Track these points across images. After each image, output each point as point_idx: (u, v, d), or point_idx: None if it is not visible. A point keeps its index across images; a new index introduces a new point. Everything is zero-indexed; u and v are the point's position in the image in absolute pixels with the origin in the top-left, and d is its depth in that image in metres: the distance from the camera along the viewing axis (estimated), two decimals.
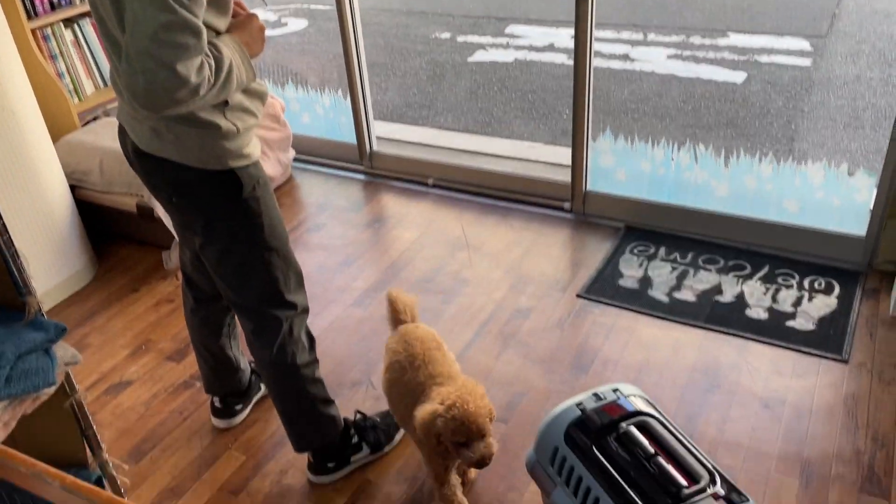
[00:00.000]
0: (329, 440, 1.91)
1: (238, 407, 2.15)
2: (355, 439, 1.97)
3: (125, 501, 0.98)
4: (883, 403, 2.08)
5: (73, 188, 2.93)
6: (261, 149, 3.20)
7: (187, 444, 2.11)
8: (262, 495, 1.94)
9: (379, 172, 3.52)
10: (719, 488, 1.50)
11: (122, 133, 1.63)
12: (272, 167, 3.31)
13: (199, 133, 1.50)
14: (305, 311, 1.82)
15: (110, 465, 1.67)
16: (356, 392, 2.26)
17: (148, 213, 2.84)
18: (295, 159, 3.63)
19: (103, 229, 3.12)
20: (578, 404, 1.73)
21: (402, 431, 2.07)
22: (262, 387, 2.23)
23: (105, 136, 2.99)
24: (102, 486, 1.64)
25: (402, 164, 3.47)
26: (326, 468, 1.95)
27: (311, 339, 1.86)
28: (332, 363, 2.37)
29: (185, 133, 1.50)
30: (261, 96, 1.60)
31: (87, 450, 1.65)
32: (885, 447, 1.94)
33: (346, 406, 2.20)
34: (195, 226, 1.65)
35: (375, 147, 3.52)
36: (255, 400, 2.22)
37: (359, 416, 2.05)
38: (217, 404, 2.14)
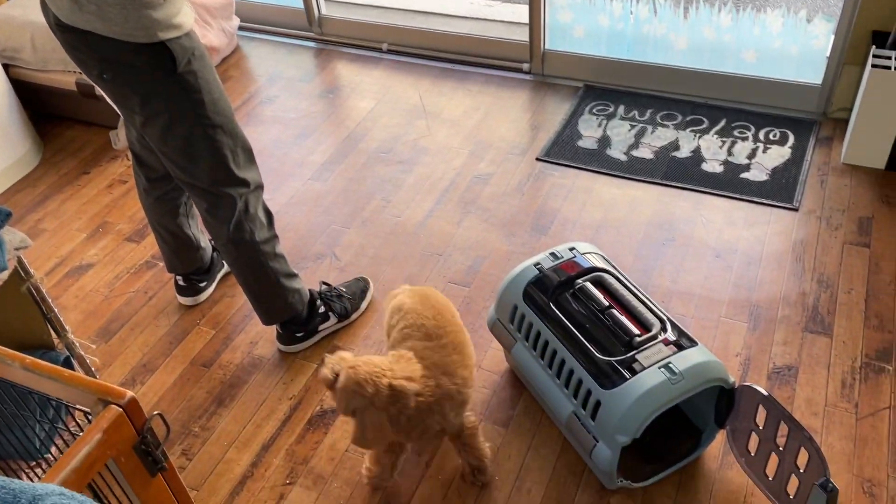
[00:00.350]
0: (295, 312, 1.95)
1: (202, 284, 2.17)
2: (322, 309, 2.01)
3: (85, 377, 1.00)
4: (829, 248, 2.16)
5: (5, 67, 2.77)
6: (199, 17, 3.05)
7: (155, 322, 2.14)
8: (234, 366, 2.00)
9: (330, 39, 3.38)
10: (669, 334, 1.57)
11: (44, 4, 1.52)
12: (216, 37, 3.16)
13: (119, 2, 1.40)
14: (259, 187, 1.79)
15: (77, 345, 1.70)
16: (320, 265, 2.27)
17: (89, 92, 2.72)
18: (240, 27, 3.46)
19: (44, 111, 2.99)
20: (536, 264, 1.77)
21: (368, 299, 2.11)
22: (225, 263, 2.23)
23: (34, 8, 2.80)
24: (72, 367, 1.66)
25: (353, 28, 3.32)
26: (295, 338, 2.00)
27: (269, 215, 1.84)
28: (294, 237, 2.37)
29: (105, 2, 1.40)
30: None
31: (52, 332, 1.66)
32: (829, 289, 2.04)
33: (312, 278, 2.22)
34: (131, 104, 1.59)
35: (324, 11, 3.36)
36: (219, 277, 2.23)
37: (324, 286, 2.08)
38: (181, 282, 2.15)
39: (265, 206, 1.83)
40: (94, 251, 2.40)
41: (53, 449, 1.42)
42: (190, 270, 2.12)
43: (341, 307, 2.05)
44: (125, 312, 2.18)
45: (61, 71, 2.76)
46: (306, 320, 1.99)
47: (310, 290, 2.00)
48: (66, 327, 1.66)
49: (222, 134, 1.65)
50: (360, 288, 2.11)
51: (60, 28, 1.49)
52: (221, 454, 1.79)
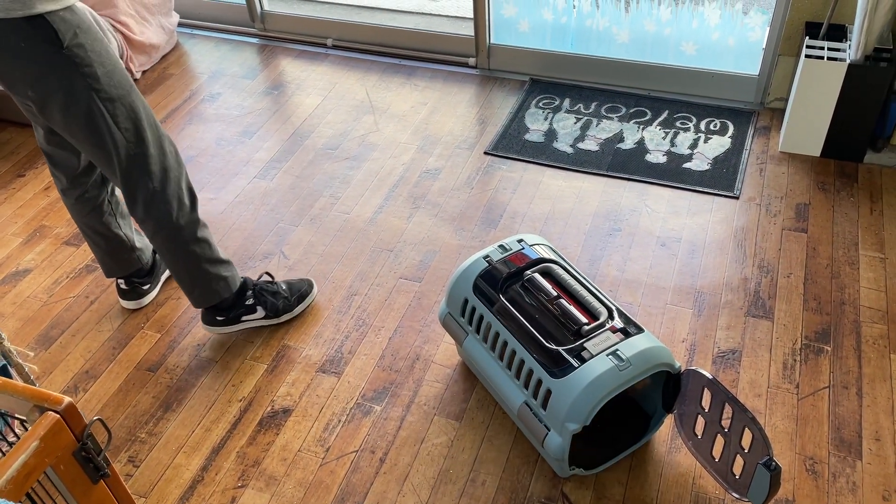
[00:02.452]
0: (220, 299, 1.91)
1: (145, 287, 2.11)
2: (250, 301, 1.97)
3: (19, 384, 0.96)
4: (769, 234, 2.22)
5: None
6: (137, 13, 2.98)
7: (97, 328, 2.08)
8: (181, 370, 1.96)
9: (273, 35, 3.33)
10: (617, 322, 1.60)
11: None
12: (155, 34, 3.08)
13: None
14: (178, 166, 1.74)
15: (14, 353, 1.63)
16: (268, 263, 2.24)
17: None
18: (180, 24, 3.39)
19: None
20: (485, 257, 1.77)
21: (307, 302, 2.07)
22: None
23: None
24: (9, 376, 1.61)
25: (297, 24, 3.28)
26: (215, 321, 1.97)
27: (193, 198, 1.79)
28: (241, 236, 2.33)
29: None
30: None
31: None
32: (769, 273, 2.10)
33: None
34: (22, 88, 1.53)
35: (267, 7, 3.31)
36: (163, 279, 2.18)
37: (265, 277, 2.05)
38: (123, 286, 2.09)
39: (189, 188, 1.78)
40: (31, 256, 2.32)
41: None
42: (128, 273, 2.06)
43: (272, 304, 2.00)
44: (66, 318, 2.11)
45: None
46: (229, 307, 1.95)
47: (245, 279, 1.97)
48: (2, 334, 1.60)
49: (122, 107, 1.60)
50: (300, 289, 2.06)
51: None
52: (170, 459, 1.76)
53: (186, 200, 1.77)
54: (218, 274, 1.88)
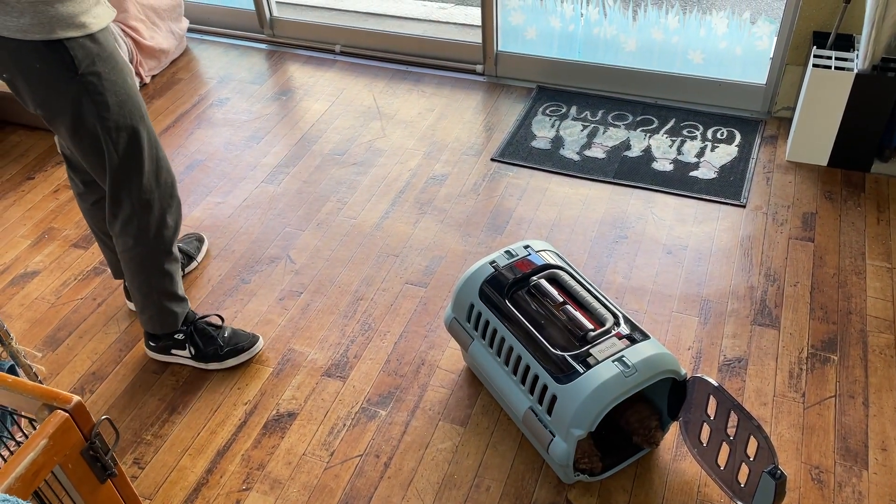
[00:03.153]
0: (163, 332, 1.92)
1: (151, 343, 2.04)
2: (181, 337, 1.93)
3: (29, 383, 0.97)
4: (776, 243, 2.22)
5: None
6: (147, 18, 3.00)
7: (104, 330, 2.09)
8: (187, 372, 1.96)
9: (282, 41, 3.35)
10: (623, 329, 1.60)
11: None
12: (164, 38, 3.10)
13: None
14: (168, 199, 1.75)
15: (22, 354, 1.65)
16: (275, 268, 2.25)
17: None
18: (189, 29, 3.41)
19: None
20: (492, 262, 1.78)
21: (241, 359, 1.96)
22: None
23: None
24: (16, 376, 1.61)
25: (306, 30, 3.30)
26: (149, 344, 1.97)
27: (174, 231, 1.79)
28: (248, 240, 2.34)
29: None
30: None
31: None
32: (776, 282, 2.09)
33: (267, 282, 2.20)
34: (33, 104, 1.55)
35: (276, 13, 3.33)
36: None
37: (213, 319, 1.99)
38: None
39: (175, 222, 1.79)
40: (39, 258, 2.33)
41: None
42: None
43: (200, 349, 1.93)
44: (73, 320, 2.12)
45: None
46: (162, 337, 1.94)
47: (188, 314, 1.94)
48: (11, 335, 1.61)
49: (125, 136, 1.61)
50: (238, 343, 1.96)
51: None
52: (175, 462, 1.76)
53: (166, 233, 1.78)
54: (170, 309, 1.88)
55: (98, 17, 1.49)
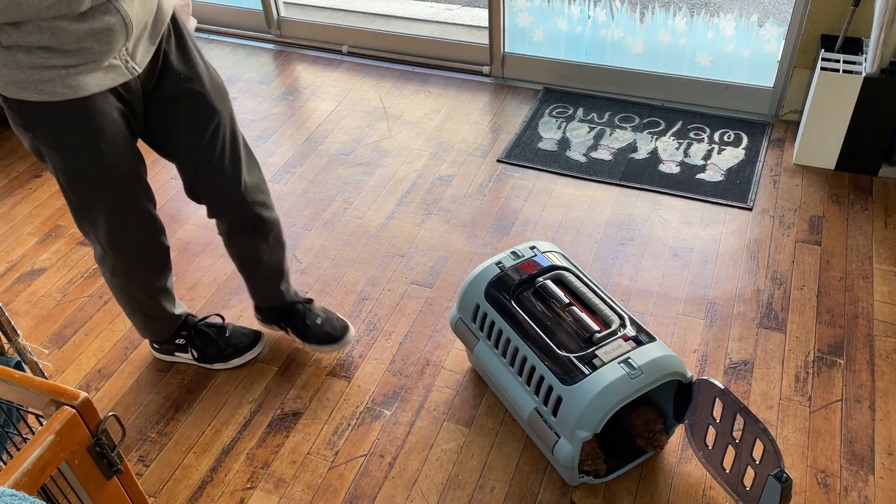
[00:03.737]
0: (155, 339, 1.94)
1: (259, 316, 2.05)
2: (181, 341, 1.94)
3: (36, 378, 0.97)
4: (782, 246, 2.21)
5: None
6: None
7: (110, 327, 2.09)
8: (192, 371, 1.96)
9: (289, 41, 3.35)
10: (629, 331, 1.59)
11: None
12: None
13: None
14: (138, 267, 1.72)
15: (29, 350, 1.65)
16: None
17: None
18: (197, 29, 3.42)
19: None
20: (498, 263, 1.78)
21: (245, 358, 1.96)
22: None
23: None
24: (23, 372, 1.62)
25: (313, 30, 3.31)
26: (152, 346, 1.98)
27: (144, 289, 1.78)
28: None
29: None
30: (99, 34, 1.31)
31: (3, 337, 1.62)
32: (782, 285, 2.09)
33: None
34: None
35: (283, 13, 3.34)
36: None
37: (214, 320, 1.98)
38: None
39: (147, 285, 1.76)
40: (46, 255, 2.34)
41: (5, 455, 1.38)
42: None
43: (202, 350, 1.93)
44: (79, 317, 2.13)
45: None
46: (164, 341, 1.94)
47: (187, 318, 1.93)
48: (18, 332, 1.61)
49: (81, 208, 1.55)
50: (240, 344, 1.96)
51: None
52: (180, 460, 1.76)
53: (141, 288, 1.75)
54: (155, 324, 1.86)
55: (71, 87, 1.35)
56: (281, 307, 1.96)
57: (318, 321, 1.95)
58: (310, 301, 1.99)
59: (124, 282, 1.75)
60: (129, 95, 1.47)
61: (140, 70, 1.45)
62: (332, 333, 1.94)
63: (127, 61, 1.40)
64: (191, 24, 3.27)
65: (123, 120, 1.48)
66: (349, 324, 1.98)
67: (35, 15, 1.20)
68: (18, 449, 1.27)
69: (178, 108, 1.56)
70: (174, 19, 1.53)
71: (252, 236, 1.80)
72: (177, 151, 1.63)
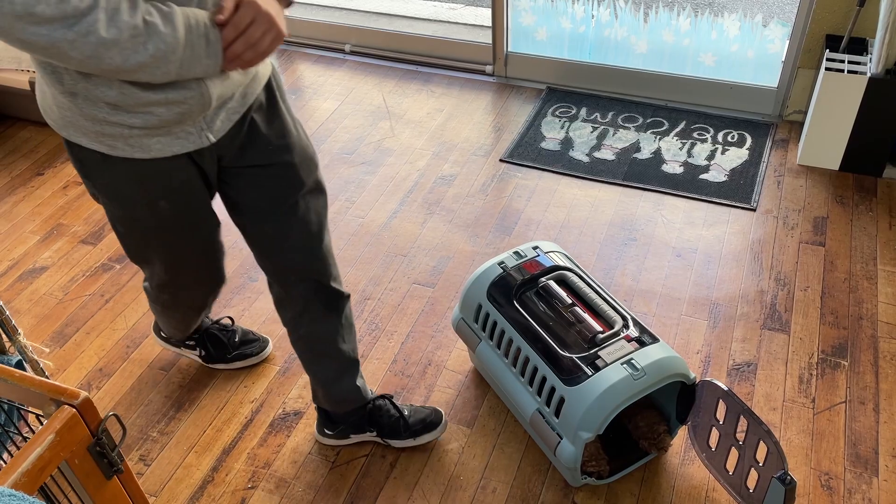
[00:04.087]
0: (170, 336, 1.91)
1: (328, 431, 1.80)
2: (191, 342, 1.92)
3: (36, 378, 0.96)
4: (786, 247, 2.20)
5: None
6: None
7: (112, 326, 2.09)
8: (194, 370, 1.96)
9: (292, 40, 3.35)
10: (632, 331, 1.58)
11: None
12: None
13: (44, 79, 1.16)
14: (175, 311, 1.72)
15: (30, 349, 1.64)
16: None
17: None
18: None
19: None
20: (500, 263, 1.77)
21: (250, 361, 1.94)
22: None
23: None
24: (24, 371, 1.61)
25: (316, 29, 3.30)
26: (158, 333, 1.96)
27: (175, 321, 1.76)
28: None
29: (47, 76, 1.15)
30: (171, 104, 1.15)
31: (4, 336, 1.61)
32: (786, 286, 2.08)
33: None
34: None
35: (286, 11, 3.32)
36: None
37: (224, 321, 1.97)
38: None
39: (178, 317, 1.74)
40: (48, 254, 2.34)
41: (5, 455, 1.38)
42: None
43: (209, 350, 1.91)
44: (80, 316, 2.12)
45: (13, 70, 2.69)
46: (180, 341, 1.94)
47: (203, 322, 1.91)
48: (19, 330, 1.61)
49: (135, 249, 1.47)
50: (248, 349, 1.94)
51: None
52: (181, 459, 1.76)
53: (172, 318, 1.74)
54: (173, 327, 1.83)
55: (130, 142, 1.20)
56: (362, 407, 1.71)
57: (406, 412, 1.73)
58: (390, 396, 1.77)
59: (168, 306, 1.70)
60: (202, 160, 1.30)
61: (216, 139, 1.26)
62: (429, 418, 1.73)
63: (202, 129, 1.23)
64: None
65: (192, 180, 1.31)
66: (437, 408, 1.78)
67: (114, 75, 1.06)
68: (19, 448, 1.26)
69: (259, 179, 1.36)
70: (269, 85, 1.33)
71: (328, 316, 1.56)
72: (251, 222, 1.43)
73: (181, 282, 1.57)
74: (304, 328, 1.57)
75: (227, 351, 1.92)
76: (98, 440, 0.97)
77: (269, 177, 1.36)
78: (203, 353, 1.93)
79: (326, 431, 1.75)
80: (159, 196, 1.30)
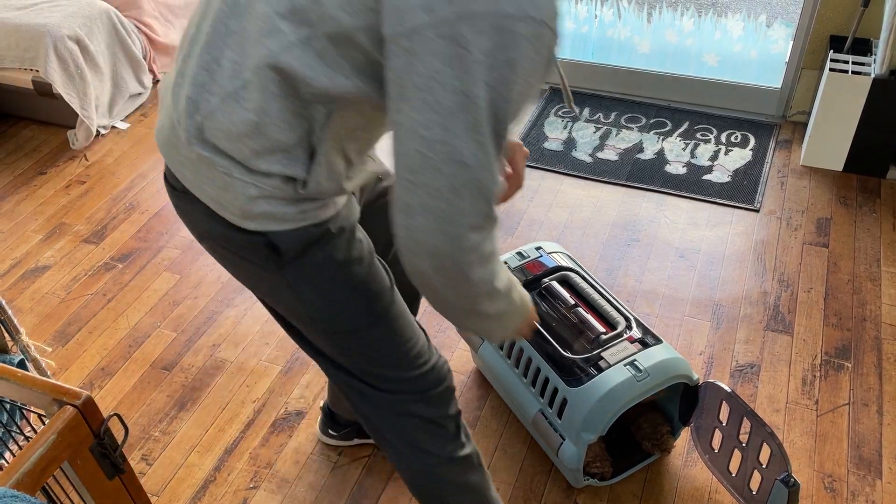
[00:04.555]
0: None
1: (332, 432, 1.76)
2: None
3: (39, 378, 0.96)
4: (789, 248, 2.20)
5: None
6: (161, 15, 3.00)
7: (114, 325, 2.09)
8: (196, 369, 1.96)
9: None
10: (635, 332, 1.58)
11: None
12: (178, 36, 3.11)
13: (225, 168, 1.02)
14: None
15: (32, 348, 1.65)
16: None
17: (46, 90, 2.65)
18: None
19: None
20: (503, 263, 1.76)
21: None
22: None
23: None
24: (26, 370, 1.61)
25: None
26: (329, 433, 1.75)
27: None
28: None
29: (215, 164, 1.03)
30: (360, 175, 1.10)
31: (6, 335, 1.61)
32: (789, 288, 2.07)
33: None
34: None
35: None
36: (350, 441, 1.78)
37: None
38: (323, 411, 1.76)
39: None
40: (50, 253, 2.34)
41: (7, 454, 1.38)
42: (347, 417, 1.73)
43: None
44: (83, 315, 2.12)
45: (17, 69, 2.69)
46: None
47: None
48: (21, 329, 1.61)
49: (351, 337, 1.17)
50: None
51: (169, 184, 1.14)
52: (183, 459, 1.76)
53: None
54: None
55: (328, 205, 1.07)
56: None
57: None
58: None
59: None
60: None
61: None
62: None
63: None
64: None
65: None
66: None
67: (455, 310, 0.99)
68: (21, 448, 1.26)
69: (376, 210, 1.36)
70: None
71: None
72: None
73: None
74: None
75: None
76: (100, 440, 0.97)
77: (381, 206, 1.38)
78: None
79: (331, 432, 1.74)
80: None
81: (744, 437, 1.51)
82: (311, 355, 1.23)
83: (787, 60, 2.60)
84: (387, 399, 1.20)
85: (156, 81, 3.08)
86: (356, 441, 1.75)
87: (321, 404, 1.79)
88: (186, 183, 1.06)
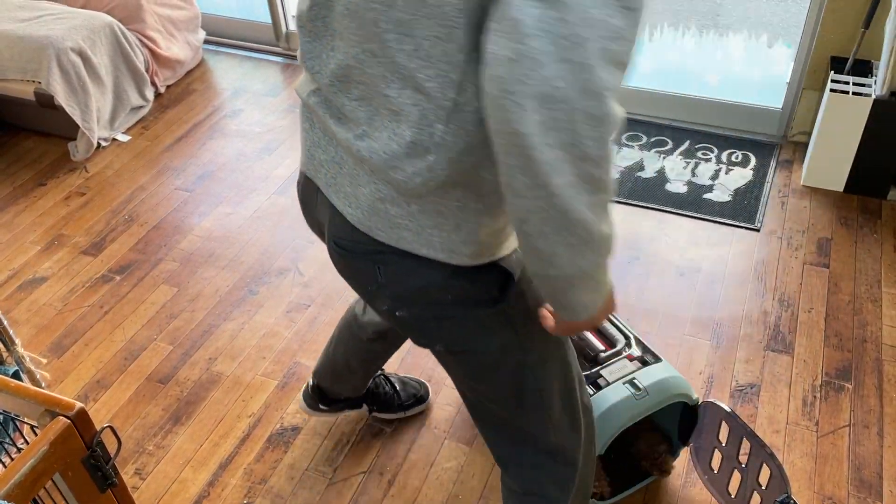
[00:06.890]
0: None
1: (322, 407, 1.78)
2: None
3: (32, 388, 0.95)
4: (790, 268, 2.19)
5: None
6: (164, 29, 3.01)
7: (110, 338, 2.08)
8: (192, 383, 1.94)
9: (291, 52, 3.36)
10: (634, 351, 1.57)
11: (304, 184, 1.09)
12: (181, 49, 3.12)
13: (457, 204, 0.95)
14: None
15: (27, 359, 1.63)
16: (283, 280, 2.24)
17: (48, 102, 2.66)
18: (206, 41, 3.43)
19: (0, 121, 2.91)
20: None
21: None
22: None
23: None
24: (21, 381, 1.60)
25: None
26: (318, 408, 1.77)
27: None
28: (257, 252, 2.33)
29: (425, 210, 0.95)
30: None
31: (1, 345, 1.60)
32: (790, 308, 2.06)
33: (275, 293, 2.18)
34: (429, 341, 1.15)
35: (292, 27, 3.34)
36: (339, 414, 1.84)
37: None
38: (309, 388, 1.78)
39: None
40: (48, 264, 2.33)
41: None
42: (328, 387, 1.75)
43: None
44: (79, 327, 2.11)
45: (19, 80, 2.70)
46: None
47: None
48: (16, 340, 1.60)
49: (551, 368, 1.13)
50: (410, 394, 1.83)
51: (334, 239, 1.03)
52: (177, 473, 1.74)
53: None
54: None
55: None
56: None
57: (397, 385, 1.80)
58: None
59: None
60: None
61: None
62: (418, 392, 1.81)
63: None
64: (199, 35, 3.28)
65: None
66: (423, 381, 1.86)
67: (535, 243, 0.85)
68: (13, 459, 1.25)
69: None
70: None
71: (396, 344, 1.64)
72: None
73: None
74: (379, 344, 1.60)
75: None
76: (92, 452, 0.96)
77: None
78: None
79: (321, 407, 1.75)
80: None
81: (744, 458, 1.50)
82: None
83: (788, 81, 2.61)
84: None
85: (158, 94, 3.09)
86: (345, 413, 1.79)
87: (307, 383, 1.77)
88: (403, 244, 0.95)
